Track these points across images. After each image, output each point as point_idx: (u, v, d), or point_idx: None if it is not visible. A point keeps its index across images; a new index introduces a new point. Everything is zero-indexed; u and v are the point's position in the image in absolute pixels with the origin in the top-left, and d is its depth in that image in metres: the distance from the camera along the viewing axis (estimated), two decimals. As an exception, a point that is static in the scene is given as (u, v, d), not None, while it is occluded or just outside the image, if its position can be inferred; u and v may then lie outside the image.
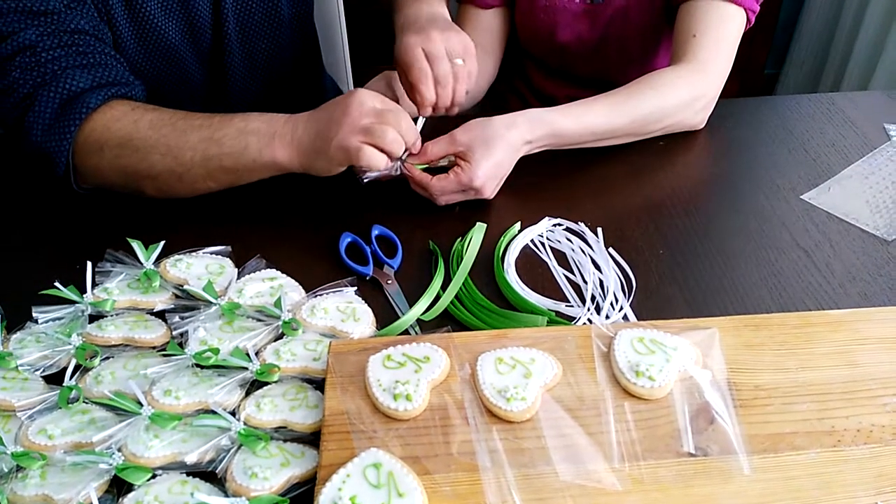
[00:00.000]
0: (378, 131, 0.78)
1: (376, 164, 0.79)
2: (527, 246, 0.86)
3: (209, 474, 0.60)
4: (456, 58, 0.89)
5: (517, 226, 0.87)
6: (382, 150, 0.79)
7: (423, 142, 0.87)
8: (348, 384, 0.64)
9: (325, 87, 1.33)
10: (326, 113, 0.81)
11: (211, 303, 0.74)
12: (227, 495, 0.58)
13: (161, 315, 0.76)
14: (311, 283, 0.77)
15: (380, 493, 0.55)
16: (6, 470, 0.60)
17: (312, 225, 0.89)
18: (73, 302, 0.74)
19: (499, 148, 0.86)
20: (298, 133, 0.81)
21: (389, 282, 0.81)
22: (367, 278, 0.81)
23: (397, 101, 0.91)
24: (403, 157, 0.86)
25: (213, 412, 0.62)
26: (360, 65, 1.48)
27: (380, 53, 1.24)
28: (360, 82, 1.11)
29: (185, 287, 0.76)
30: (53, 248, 0.88)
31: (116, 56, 0.91)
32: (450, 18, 0.97)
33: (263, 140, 0.81)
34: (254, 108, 1.14)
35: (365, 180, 0.86)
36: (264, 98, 1.16)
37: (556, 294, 0.79)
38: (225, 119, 0.84)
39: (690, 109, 0.99)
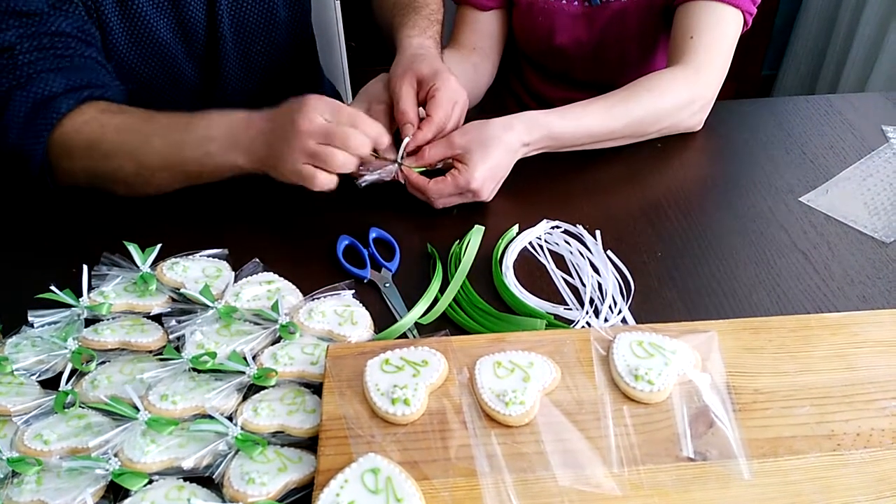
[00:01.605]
0: (327, 156, 0.78)
1: (328, 185, 0.80)
2: (525, 248, 0.86)
3: (206, 479, 0.60)
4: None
5: (515, 228, 0.87)
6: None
7: (422, 147, 0.87)
8: (346, 388, 0.64)
9: (324, 91, 1.32)
10: (278, 124, 0.80)
11: (208, 306, 0.74)
12: (224, 501, 0.58)
13: (158, 319, 0.75)
14: (309, 287, 0.77)
15: (378, 498, 0.55)
16: (2, 476, 0.60)
17: (310, 228, 0.89)
18: (69, 306, 0.74)
19: (496, 150, 0.86)
20: (255, 142, 0.81)
21: (387, 285, 0.80)
22: (365, 281, 0.81)
23: (392, 106, 0.91)
24: (401, 161, 0.86)
25: (210, 417, 0.62)
26: (357, 66, 1.47)
27: (377, 55, 1.24)
28: (357, 85, 1.10)
29: (182, 290, 0.76)
30: (49, 252, 0.88)
31: (97, 58, 0.91)
32: None
33: (224, 147, 0.82)
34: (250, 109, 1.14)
35: (362, 184, 0.86)
36: (261, 100, 1.15)
37: (555, 297, 0.79)
38: (190, 124, 0.84)
39: (687, 111, 0.99)
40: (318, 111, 0.78)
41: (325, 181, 0.79)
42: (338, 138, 0.78)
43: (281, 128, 0.80)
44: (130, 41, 0.97)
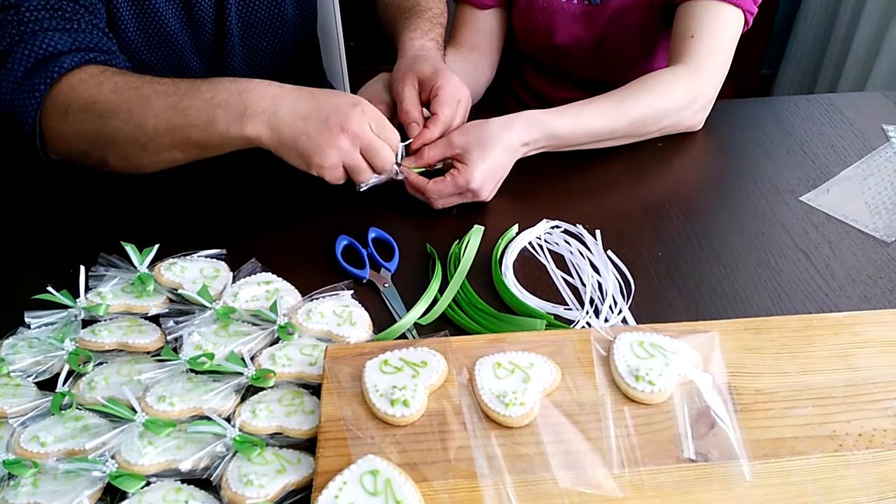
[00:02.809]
0: (358, 169, 0.80)
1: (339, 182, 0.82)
2: (525, 248, 0.85)
3: (204, 482, 0.59)
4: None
5: (515, 228, 0.87)
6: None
7: (421, 147, 0.86)
8: (345, 389, 0.63)
9: None
10: (321, 112, 0.77)
11: (206, 307, 0.73)
12: (222, 503, 0.58)
13: (155, 320, 0.75)
14: (307, 287, 0.77)
15: (377, 500, 0.54)
16: (-2, 478, 0.60)
17: (308, 228, 0.88)
18: (66, 307, 0.73)
19: (495, 149, 0.85)
20: (280, 116, 0.77)
21: (386, 285, 0.80)
22: (364, 282, 0.81)
23: (392, 106, 0.91)
24: (400, 161, 0.86)
25: (208, 418, 0.62)
26: (355, 66, 1.47)
27: (376, 55, 1.24)
28: (355, 84, 1.10)
29: (180, 291, 0.75)
30: (46, 253, 0.87)
31: (103, 28, 0.90)
32: None
33: (233, 115, 0.77)
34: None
35: (362, 188, 0.85)
36: None
37: (555, 297, 0.79)
38: (192, 87, 0.80)
39: (688, 111, 0.98)
40: (368, 118, 0.78)
41: (338, 181, 0.81)
42: (377, 156, 0.80)
43: (326, 118, 0.77)
44: (138, 26, 0.97)
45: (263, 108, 0.77)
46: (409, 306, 0.77)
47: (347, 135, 0.77)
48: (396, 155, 0.84)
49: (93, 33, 0.87)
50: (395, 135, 0.82)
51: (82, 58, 0.83)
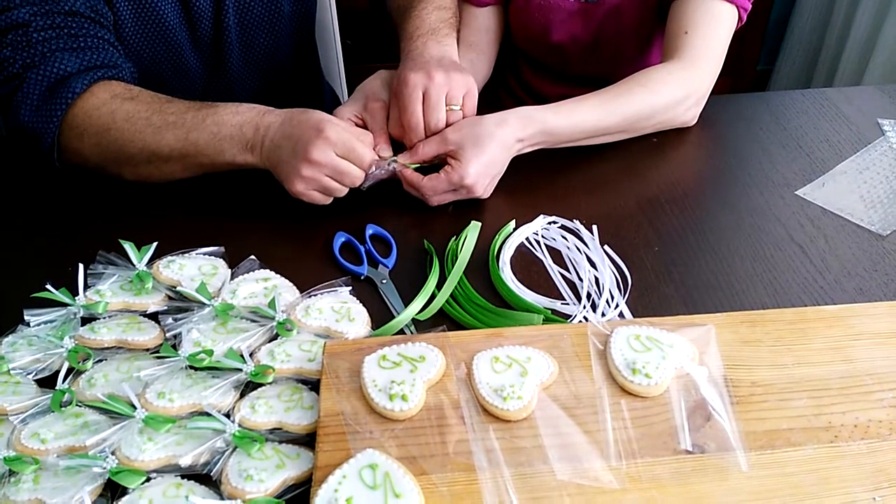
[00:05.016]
0: (331, 190, 0.84)
1: (323, 203, 0.86)
2: (522, 244, 0.85)
3: (204, 477, 0.60)
4: (454, 103, 0.89)
5: (512, 224, 0.87)
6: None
7: (416, 143, 0.87)
8: (343, 385, 0.64)
9: (321, 89, 1.32)
10: (290, 142, 0.82)
11: (204, 304, 0.73)
12: (222, 498, 0.58)
13: (154, 317, 0.75)
14: (306, 284, 0.77)
15: (376, 494, 0.55)
16: (-1, 475, 0.60)
17: (306, 225, 0.88)
18: (65, 304, 0.74)
19: (490, 146, 0.86)
20: (265, 147, 0.84)
21: (384, 281, 0.80)
22: (362, 278, 0.81)
23: (388, 104, 0.91)
24: (396, 158, 0.86)
25: (208, 414, 0.62)
26: (352, 64, 1.47)
27: (373, 53, 1.24)
28: (352, 82, 1.10)
29: (178, 288, 0.76)
30: (45, 251, 0.87)
31: (110, 39, 0.92)
32: (457, 58, 0.97)
33: (237, 147, 0.85)
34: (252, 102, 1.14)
35: (364, 186, 0.86)
36: (261, 93, 1.16)
37: (552, 292, 0.79)
38: (197, 118, 0.85)
39: (681, 106, 0.99)
40: (332, 144, 0.80)
41: (321, 202, 0.85)
42: (344, 179, 0.83)
43: (292, 148, 0.81)
44: (136, 22, 0.98)
45: (257, 141, 0.85)
46: (406, 302, 0.77)
47: (310, 164, 0.80)
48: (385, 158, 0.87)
49: (100, 48, 0.90)
50: (365, 151, 0.83)
51: (92, 77, 0.88)
